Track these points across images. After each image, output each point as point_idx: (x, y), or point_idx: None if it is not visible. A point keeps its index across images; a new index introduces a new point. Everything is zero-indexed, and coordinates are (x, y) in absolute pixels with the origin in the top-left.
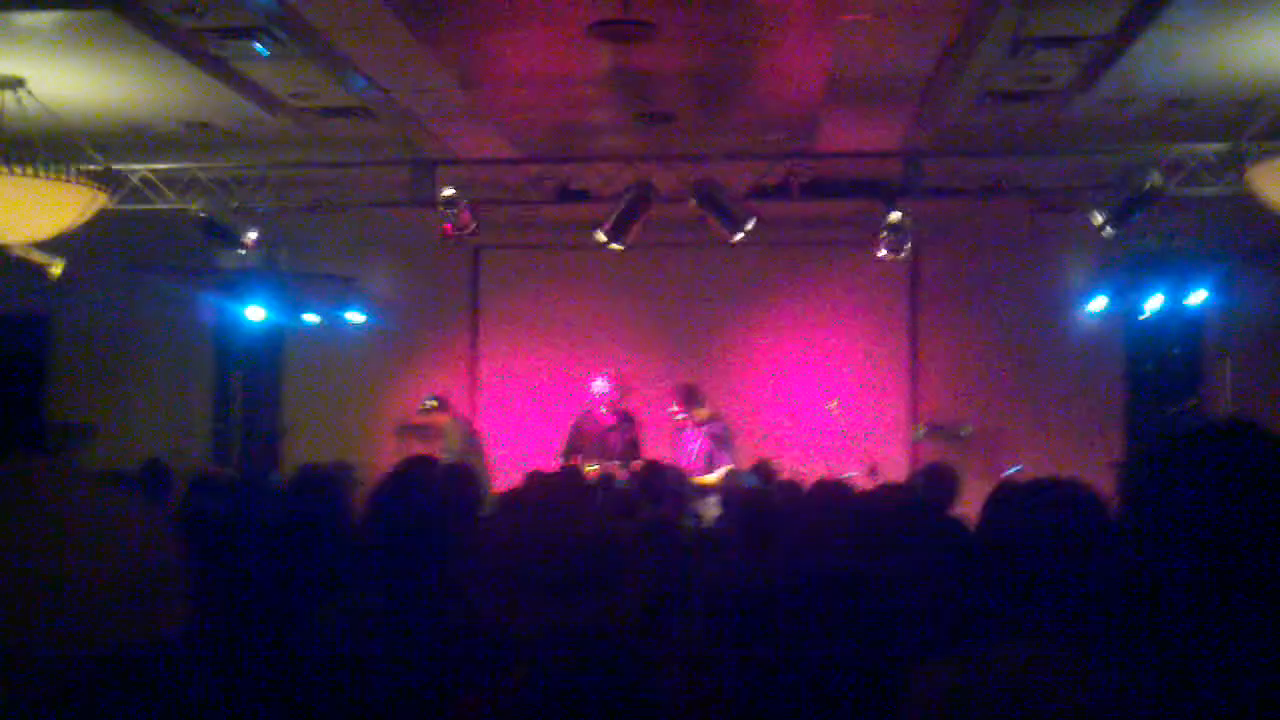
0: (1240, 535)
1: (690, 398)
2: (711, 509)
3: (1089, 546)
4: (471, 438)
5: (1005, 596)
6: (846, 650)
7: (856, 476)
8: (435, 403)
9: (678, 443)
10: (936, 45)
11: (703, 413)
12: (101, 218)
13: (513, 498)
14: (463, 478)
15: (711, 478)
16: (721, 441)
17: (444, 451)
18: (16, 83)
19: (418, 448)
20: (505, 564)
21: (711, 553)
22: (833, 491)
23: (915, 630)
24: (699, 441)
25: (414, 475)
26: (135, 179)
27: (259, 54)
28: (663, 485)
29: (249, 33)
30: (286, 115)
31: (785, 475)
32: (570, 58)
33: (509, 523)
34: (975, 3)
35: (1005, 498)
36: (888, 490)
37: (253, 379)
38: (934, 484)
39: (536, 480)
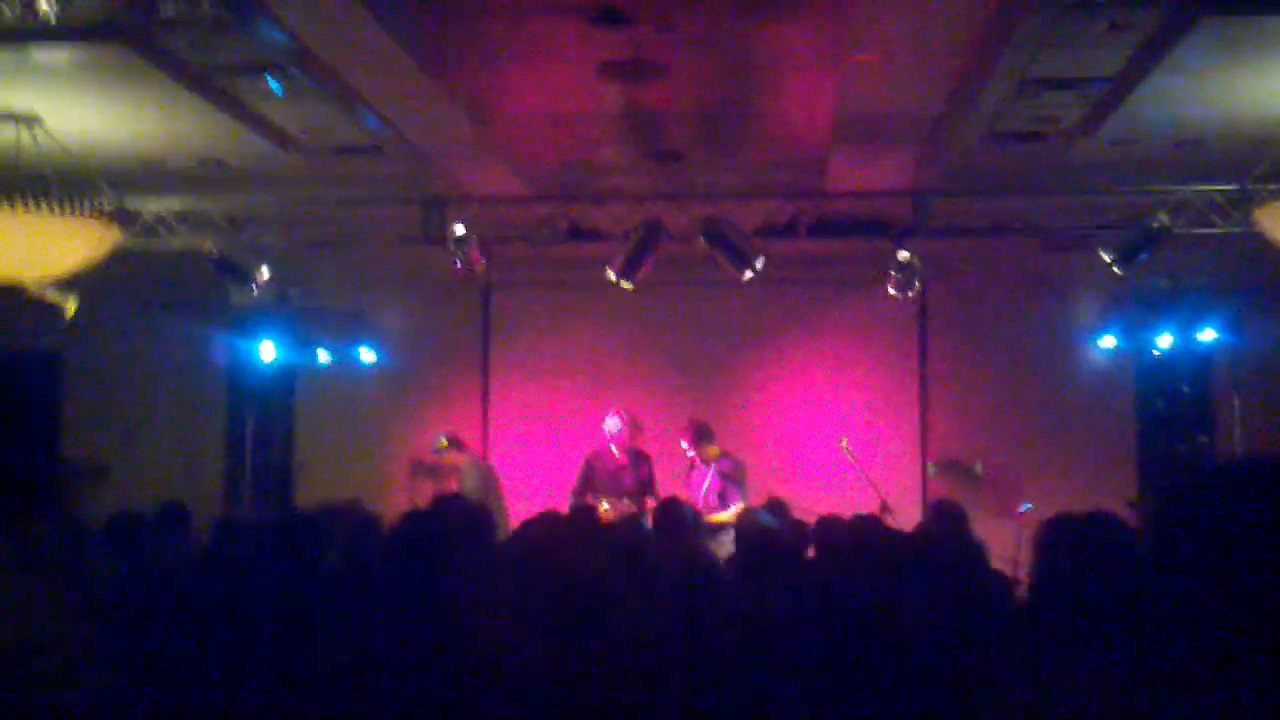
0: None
1: (701, 435)
2: (725, 547)
3: (1133, 578)
4: (489, 477)
5: (1062, 629)
6: (870, 689)
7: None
8: (446, 442)
9: (689, 480)
10: (943, 86)
11: (714, 450)
12: (114, 255)
13: (516, 538)
14: (482, 517)
15: (726, 515)
16: (733, 479)
17: (463, 491)
18: (32, 119)
19: (430, 486)
20: (512, 602)
21: (728, 590)
22: (871, 527)
23: (948, 666)
24: (711, 479)
25: (443, 514)
26: (149, 216)
27: (273, 91)
28: (682, 523)
29: (263, 70)
30: (299, 152)
31: (797, 513)
32: (580, 97)
33: (514, 562)
34: (982, 44)
35: (1056, 533)
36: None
37: (265, 417)
38: (941, 520)
39: (538, 522)
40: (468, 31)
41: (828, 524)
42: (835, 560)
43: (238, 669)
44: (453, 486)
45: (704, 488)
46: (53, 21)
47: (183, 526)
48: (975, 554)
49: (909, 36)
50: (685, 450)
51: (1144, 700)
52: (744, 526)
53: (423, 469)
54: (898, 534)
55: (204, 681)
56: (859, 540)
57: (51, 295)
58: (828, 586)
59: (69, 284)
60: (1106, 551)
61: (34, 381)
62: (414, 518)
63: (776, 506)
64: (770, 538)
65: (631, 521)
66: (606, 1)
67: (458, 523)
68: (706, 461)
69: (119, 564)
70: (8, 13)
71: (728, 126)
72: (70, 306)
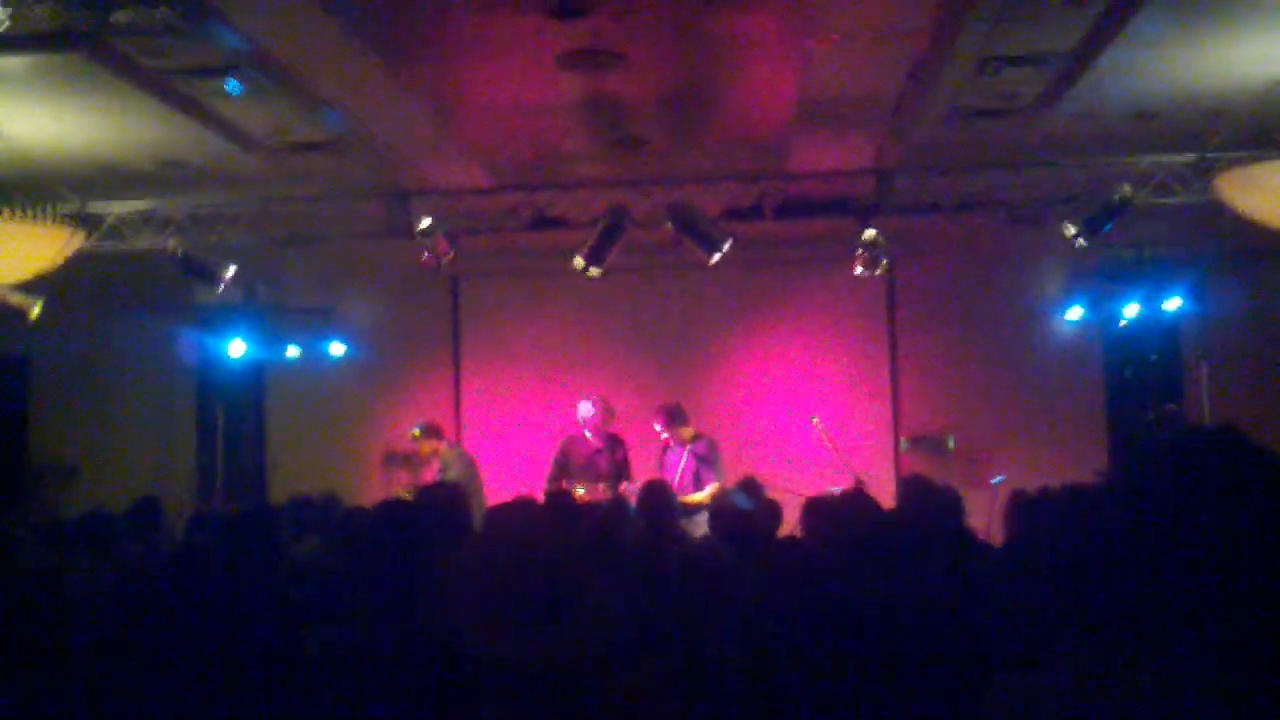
0: (1229, 538)
1: (674, 417)
2: (700, 528)
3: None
4: (470, 463)
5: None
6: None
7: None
8: (420, 431)
9: (663, 462)
10: (904, 66)
11: (687, 432)
12: (78, 258)
13: (487, 525)
14: (466, 504)
15: (701, 496)
16: (708, 460)
17: (447, 479)
18: None
19: (405, 476)
20: (485, 591)
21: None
22: (861, 506)
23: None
24: (685, 460)
25: (429, 503)
26: (111, 219)
27: (230, 92)
28: (667, 506)
29: (220, 71)
30: (261, 151)
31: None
32: (542, 87)
33: (488, 550)
34: (940, 24)
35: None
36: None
37: (235, 413)
38: (919, 499)
39: (506, 508)
40: (428, 27)
41: (816, 504)
42: (825, 540)
43: (213, 661)
44: (429, 476)
45: (679, 469)
46: (5, 26)
47: (155, 522)
48: (966, 537)
49: (868, 18)
50: (659, 433)
51: (1126, 673)
52: (719, 508)
53: (397, 459)
54: (888, 514)
55: (180, 674)
56: (850, 519)
57: (16, 299)
58: (819, 568)
59: (33, 287)
60: (1075, 523)
61: (1, 385)
62: (391, 506)
63: (750, 486)
64: (745, 518)
65: (610, 504)
66: None
67: (445, 511)
68: (680, 443)
69: (95, 561)
70: None
71: (690, 112)
72: (35, 309)
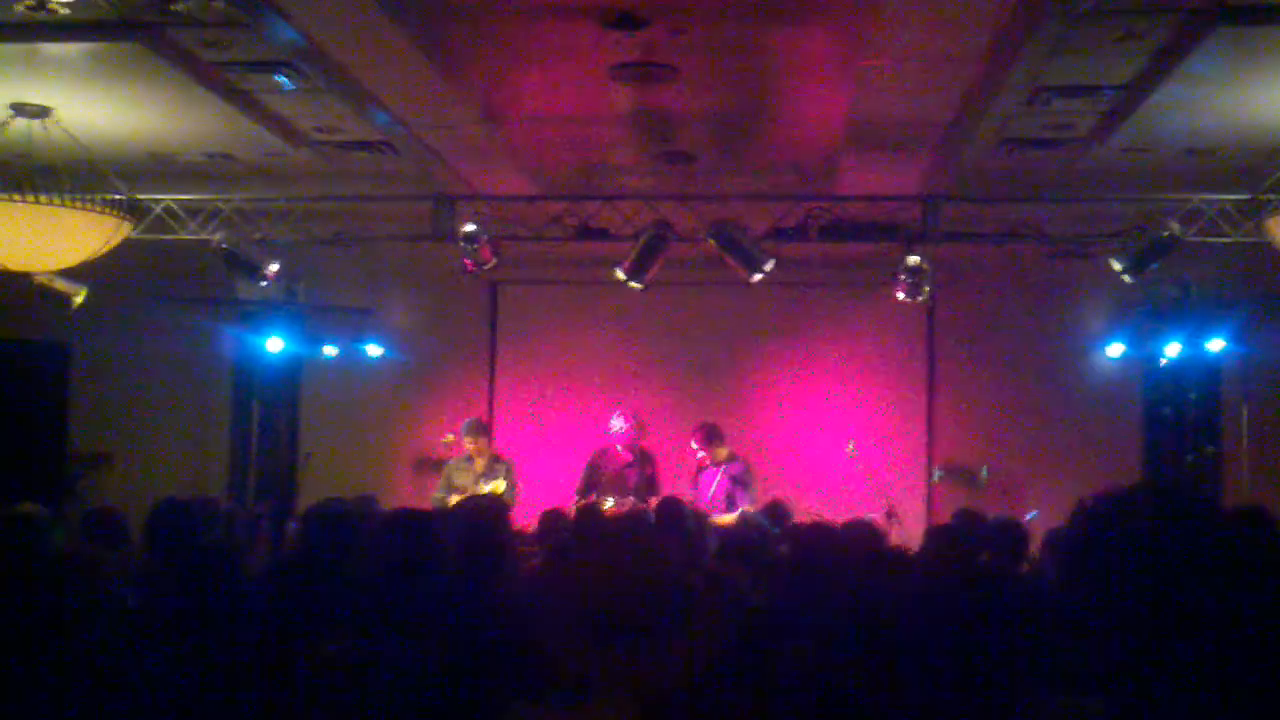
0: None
1: (711, 437)
2: None
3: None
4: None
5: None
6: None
7: (874, 519)
8: (468, 428)
9: (697, 482)
10: (956, 92)
11: (723, 452)
12: (124, 247)
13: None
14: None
15: (730, 518)
16: (741, 481)
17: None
18: (44, 112)
19: (435, 481)
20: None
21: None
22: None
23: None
24: (719, 481)
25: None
26: (158, 209)
27: (283, 87)
28: (682, 519)
29: (273, 66)
30: (309, 148)
31: (800, 516)
32: (593, 98)
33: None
34: (995, 51)
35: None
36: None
37: (271, 409)
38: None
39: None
40: (481, 33)
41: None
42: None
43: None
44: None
45: (711, 489)
46: (63, 13)
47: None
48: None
49: (923, 42)
50: (695, 451)
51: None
52: (740, 529)
53: (429, 466)
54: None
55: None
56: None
57: (60, 285)
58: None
59: (78, 274)
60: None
61: (42, 371)
62: (404, 516)
63: (776, 509)
64: (759, 539)
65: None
66: (622, 6)
67: (486, 526)
68: (716, 463)
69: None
70: (22, 8)
71: (740, 130)
72: (78, 297)
